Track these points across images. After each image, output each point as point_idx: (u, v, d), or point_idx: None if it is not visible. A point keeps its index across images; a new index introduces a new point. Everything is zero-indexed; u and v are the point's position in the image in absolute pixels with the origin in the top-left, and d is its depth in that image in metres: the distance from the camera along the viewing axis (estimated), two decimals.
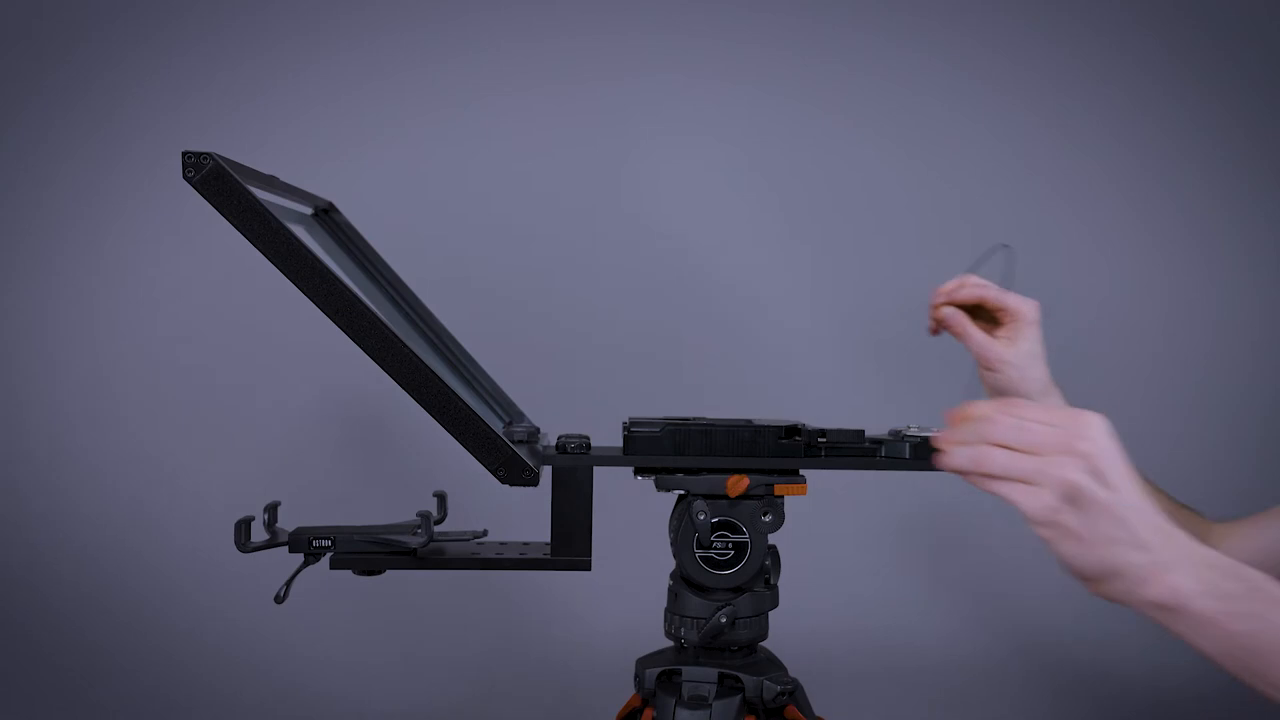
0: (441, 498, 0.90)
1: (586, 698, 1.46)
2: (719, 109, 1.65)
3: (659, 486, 0.83)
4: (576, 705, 1.59)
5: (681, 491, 0.83)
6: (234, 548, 0.79)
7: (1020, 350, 0.95)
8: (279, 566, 0.82)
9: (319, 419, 1.65)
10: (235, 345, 1.64)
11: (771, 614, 0.90)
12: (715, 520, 0.82)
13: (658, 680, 0.87)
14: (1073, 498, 0.61)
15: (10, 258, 1.65)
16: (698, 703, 0.83)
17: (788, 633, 0.99)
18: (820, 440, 0.84)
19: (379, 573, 0.82)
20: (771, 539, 0.83)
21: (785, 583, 0.86)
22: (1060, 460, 0.61)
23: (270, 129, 1.62)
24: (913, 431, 0.85)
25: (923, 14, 1.64)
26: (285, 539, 0.81)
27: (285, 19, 1.65)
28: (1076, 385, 1.64)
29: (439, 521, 0.87)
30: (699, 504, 0.81)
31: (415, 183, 1.61)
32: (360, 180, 1.50)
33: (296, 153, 1.55)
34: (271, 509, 0.81)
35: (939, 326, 1.02)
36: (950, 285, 0.96)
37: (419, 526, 0.80)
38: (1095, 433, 0.62)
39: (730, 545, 0.82)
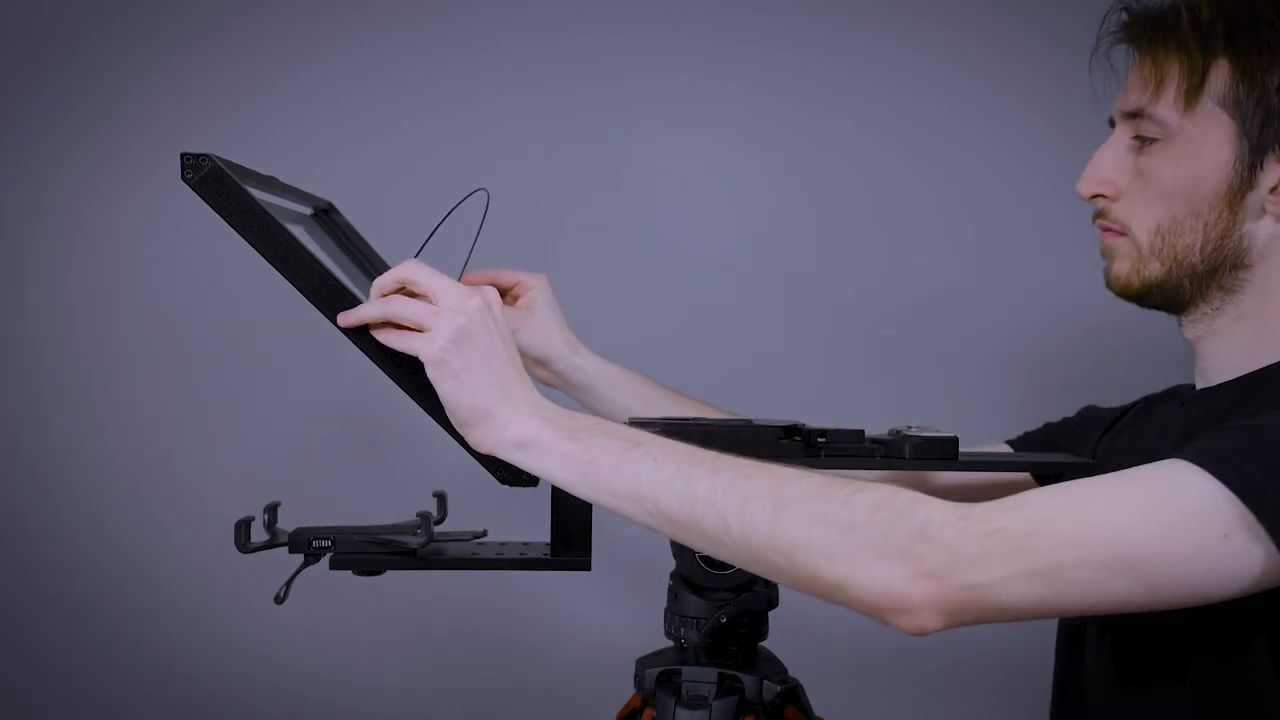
0: (441, 498, 0.90)
1: (586, 698, 1.46)
2: (719, 109, 1.65)
3: None
4: (576, 705, 1.59)
5: None
6: (234, 548, 0.79)
7: (537, 316, 1.10)
8: (279, 567, 0.82)
9: (319, 419, 1.65)
10: (235, 346, 1.64)
11: (771, 614, 0.90)
12: None
13: (658, 680, 0.87)
14: (459, 340, 0.72)
15: (9, 258, 1.65)
16: (697, 703, 0.83)
17: (788, 633, 0.99)
18: (820, 440, 0.84)
19: (379, 573, 0.82)
20: None
21: None
22: (456, 307, 0.72)
23: (270, 129, 1.62)
24: (913, 431, 0.85)
25: (923, 14, 1.64)
26: (285, 539, 0.81)
27: (285, 19, 1.65)
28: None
29: (439, 521, 0.87)
30: None
31: (415, 183, 1.61)
32: (360, 180, 1.50)
33: (296, 153, 1.54)
34: (271, 509, 0.81)
35: None
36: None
37: (419, 526, 0.80)
38: (488, 294, 0.75)
39: None
